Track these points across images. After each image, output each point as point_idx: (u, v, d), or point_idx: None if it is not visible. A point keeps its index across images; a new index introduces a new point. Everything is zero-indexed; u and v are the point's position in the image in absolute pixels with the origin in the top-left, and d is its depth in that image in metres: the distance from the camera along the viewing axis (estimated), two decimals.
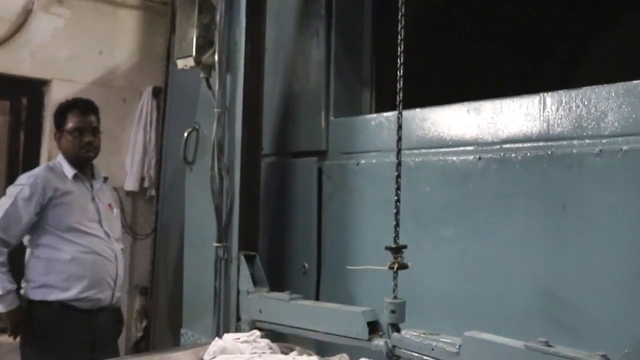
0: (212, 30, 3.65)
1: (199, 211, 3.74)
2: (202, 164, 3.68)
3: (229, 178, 3.50)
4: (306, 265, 3.59)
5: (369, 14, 3.89)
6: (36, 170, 4.42)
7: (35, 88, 5.90)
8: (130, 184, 6.10)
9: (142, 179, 6.14)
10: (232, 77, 3.57)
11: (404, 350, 2.54)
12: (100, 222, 4.41)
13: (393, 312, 2.55)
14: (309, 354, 2.98)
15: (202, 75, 3.68)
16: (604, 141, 2.50)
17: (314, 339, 3.06)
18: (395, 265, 2.50)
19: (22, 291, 4.26)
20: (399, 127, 2.56)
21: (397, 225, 2.55)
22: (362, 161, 3.44)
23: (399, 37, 2.57)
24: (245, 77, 3.52)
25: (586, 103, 2.58)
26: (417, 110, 3.20)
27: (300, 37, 3.94)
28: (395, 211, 2.55)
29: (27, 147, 5.88)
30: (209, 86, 3.65)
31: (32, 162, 5.62)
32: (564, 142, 2.64)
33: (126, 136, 6.20)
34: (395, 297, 2.53)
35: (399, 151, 2.55)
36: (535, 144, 2.75)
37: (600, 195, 2.46)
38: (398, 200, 2.56)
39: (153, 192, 6.24)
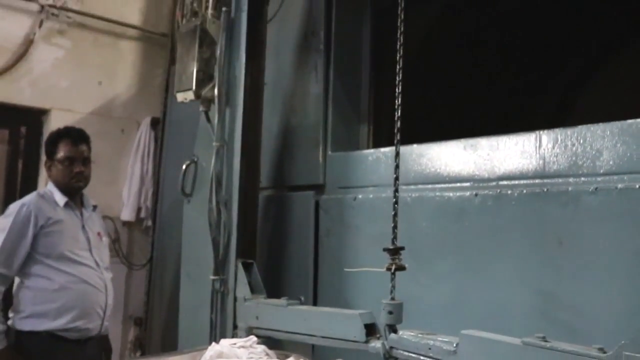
0: (212, 64, 3.69)
1: (196, 243, 3.74)
2: (200, 196, 3.70)
3: (226, 211, 3.51)
4: (302, 298, 3.59)
5: (367, 50, 3.95)
6: (27, 198, 4.38)
7: (34, 117, 5.91)
8: (127, 214, 6.09)
9: (139, 209, 6.14)
10: (231, 111, 3.61)
11: (401, 352, 2.55)
12: (90, 251, 4.37)
13: (390, 313, 2.58)
14: None
15: (201, 108, 3.71)
16: (599, 179, 2.52)
17: (310, 347, 3.07)
18: (393, 267, 2.55)
19: (9, 322, 4.20)
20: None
21: (395, 227, 2.59)
22: (359, 196, 3.46)
23: (397, 78, 2.61)
24: (245, 111, 3.56)
25: (582, 141, 2.61)
26: (414, 146, 3.23)
27: (299, 72, 3.98)
28: (393, 213, 2.58)
29: (25, 176, 5.88)
30: (208, 119, 3.68)
31: (29, 190, 5.59)
32: (560, 180, 2.67)
33: (123, 166, 6.20)
34: (392, 299, 2.57)
35: (397, 154, 2.55)
36: (531, 181, 2.78)
37: (595, 232, 2.49)
38: (396, 203, 2.58)
39: (149, 223, 6.23)
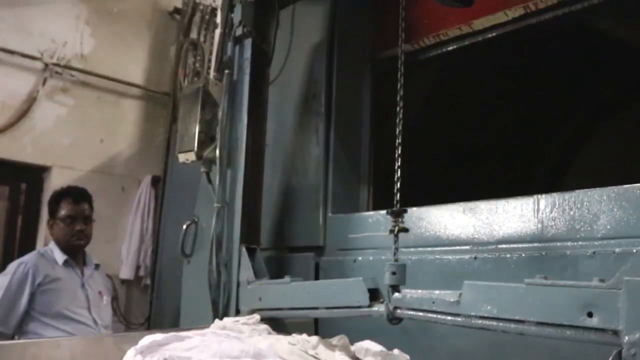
0: (214, 126, 3.73)
1: (195, 304, 3.73)
2: (200, 256, 3.70)
3: (226, 273, 3.51)
4: None
5: (367, 113, 4.00)
6: (26, 257, 4.40)
7: (35, 174, 5.96)
8: (126, 272, 6.08)
9: (138, 268, 6.14)
10: (233, 172, 3.63)
11: (405, 311, 2.57)
12: (89, 309, 4.37)
13: (394, 273, 2.59)
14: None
15: (202, 169, 3.73)
16: (597, 243, 2.53)
17: (313, 327, 3.03)
18: (396, 229, 2.61)
19: None
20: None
21: (397, 190, 2.64)
22: (359, 258, 3.47)
23: (397, 141, 2.66)
24: (246, 172, 3.58)
25: (579, 206, 2.63)
26: (414, 209, 3.24)
27: (300, 134, 4.02)
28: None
29: (24, 232, 5.90)
30: (209, 180, 3.71)
31: (28, 247, 5.62)
32: (558, 244, 2.68)
33: (123, 224, 6.22)
34: (396, 260, 2.61)
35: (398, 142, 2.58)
36: (530, 245, 2.79)
37: None
38: (399, 157, 2.64)
39: (148, 281, 6.22)
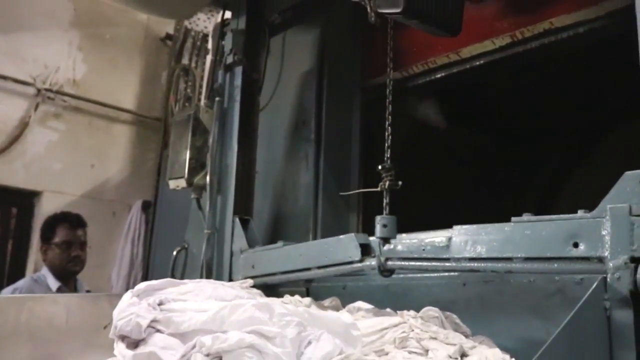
0: (205, 152, 3.76)
1: None
2: None
3: None
4: None
5: (357, 141, 4.02)
6: (20, 283, 4.41)
7: (26, 199, 5.96)
8: None
9: None
10: (223, 199, 3.65)
11: (396, 262, 2.65)
12: None
13: (384, 226, 2.70)
14: None
15: (193, 196, 3.76)
16: None
17: (305, 293, 3.13)
18: (387, 184, 2.73)
19: None
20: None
21: (388, 147, 2.77)
22: (349, 284, 3.47)
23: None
24: (236, 199, 3.61)
25: None
26: (403, 235, 3.25)
27: (289, 161, 4.05)
28: (387, 133, 2.79)
29: (14, 256, 5.89)
30: (200, 207, 3.73)
31: (18, 272, 5.62)
32: None
33: (113, 249, 6.22)
34: (386, 214, 2.71)
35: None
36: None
37: None
38: (389, 125, 2.78)
39: None
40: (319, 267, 2.98)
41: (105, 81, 6.33)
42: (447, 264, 2.49)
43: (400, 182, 2.78)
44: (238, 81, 3.85)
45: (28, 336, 2.90)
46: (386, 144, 2.86)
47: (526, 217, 2.26)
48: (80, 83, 6.17)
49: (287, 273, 3.11)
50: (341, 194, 3.61)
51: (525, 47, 3.50)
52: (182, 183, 3.75)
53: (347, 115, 4.08)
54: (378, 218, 2.74)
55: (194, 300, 2.41)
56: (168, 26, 6.70)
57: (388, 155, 2.87)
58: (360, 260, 2.79)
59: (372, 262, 2.74)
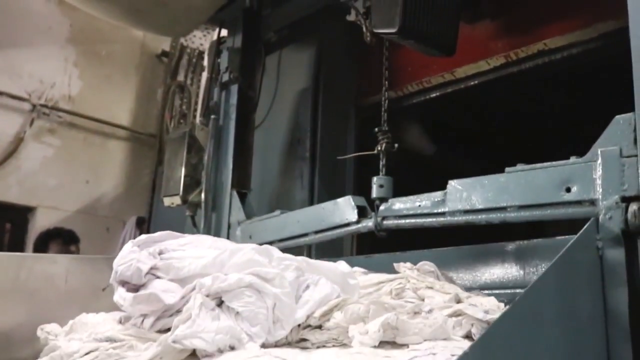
0: (200, 170, 3.77)
1: None
2: None
3: None
4: None
5: (352, 158, 4.03)
6: None
7: (20, 214, 5.93)
8: None
9: None
10: (218, 216, 3.66)
11: (392, 221, 2.72)
12: None
13: (381, 186, 2.79)
14: None
15: (187, 213, 3.76)
16: None
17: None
18: (383, 145, 2.85)
19: None
20: None
21: (385, 111, 2.89)
22: None
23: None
24: (230, 216, 3.61)
25: None
26: (397, 253, 3.26)
27: (285, 178, 4.06)
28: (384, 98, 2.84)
29: None
30: (194, 224, 3.73)
31: None
32: None
33: None
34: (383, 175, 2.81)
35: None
36: (512, 291, 2.80)
37: None
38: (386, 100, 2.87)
39: None
40: (316, 232, 3.03)
41: (100, 97, 6.34)
42: (442, 219, 2.56)
43: (396, 145, 2.86)
44: (234, 99, 3.87)
45: (27, 295, 2.93)
46: (382, 108, 3.03)
47: (520, 166, 2.33)
48: (75, 99, 6.18)
49: (285, 240, 3.16)
50: (338, 157, 3.65)
51: (520, 68, 3.53)
52: (177, 200, 3.75)
53: (342, 134, 4.10)
54: (375, 179, 2.82)
55: (194, 249, 2.43)
56: (164, 43, 6.72)
57: (385, 119, 3.03)
58: (357, 222, 2.87)
59: (368, 223, 2.81)
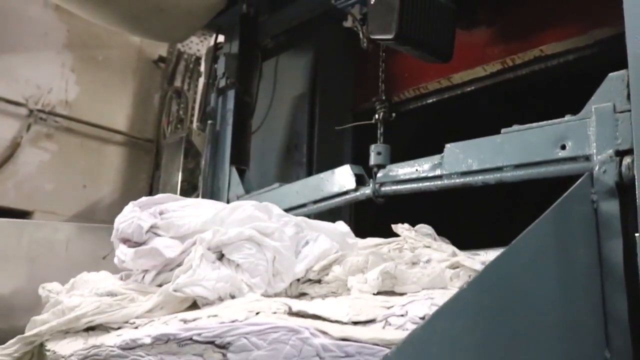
0: (197, 174, 3.77)
1: None
2: None
3: None
4: None
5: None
6: None
7: (17, 219, 5.92)
8: None
9: None
10: None
11: (390, 187, 2.80)
12: None
13: (379, 154, 2.88)
14: None
15: None
16: None
17: None
18: (381, 115, 2.98)
19: None
20: None
21: (383, 81, 3.01)
22: None
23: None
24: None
25: None
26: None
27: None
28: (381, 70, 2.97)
29: None
30: None
31: None
32: None
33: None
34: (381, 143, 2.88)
35: None
36: None
37: None
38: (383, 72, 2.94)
39: None
40: (315, 202, 3.06)
41: (97, 102, 6.32)
42: (440, 182, 2.63)
43: (394, 114, 2.92)
44: (230, 104, 3.88)
45: (28, 260, 2.95)
46: (380, 79, 3.17)
47: (516, 127, 2.39)
48: (72, 104, 6.16)
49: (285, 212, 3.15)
50: (336, 128, 3.71)
51: (516, 74, 3.54)
52: None
53: (338, 139, 4.10)
54: (372, 146, 2.90)
55: (194, 209, 2.49)
56: (161, 49, 6.70)
57: (382, 89, 3.16)
58: (355, 190, 2.96)
59: (366, 190, 2.89)
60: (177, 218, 2.38)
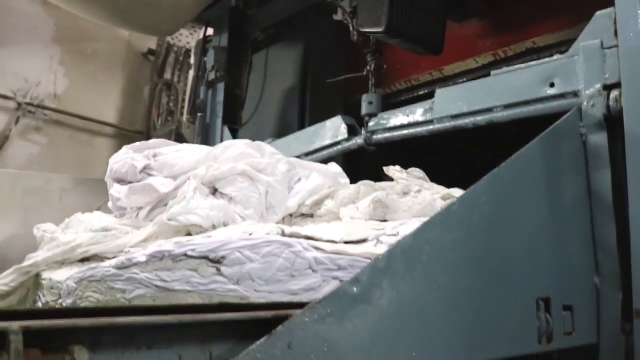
0: None
1: None
2: None
3: None
4: None
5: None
6: None
7: None
8: None
9: None
10: None
11: (382, 135, 2.84)
12: None
13: (370, 103, 2.92)
14: None
15: None
16: None
17: None
18: (372, 66, 3.03)
19: None
20: None
21: (374, 44, 3.05)
22: None
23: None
24: None
25: None
26: None
27: None
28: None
29: None
30: None
31: None
32: None
33: None
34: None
35: None
36: None
37: None
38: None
39: None
40: (307, 154, 3.09)
41: (87, 96, 6.28)
42: (432, 127, 2.67)
43: (385, 66, 3.09)
44: (220, 97, 3.86)
45: (22, 209, 2.95)
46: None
47: (505, 69, 2.48)
48: (61, 97, 6.12)
49: None
50: (328, 80, 3.69)
51: (508, 66, 3.51)
52: None
53: None
54: (364, 96, 2.94)
55: (188, 153, 2.50)
56: (150, 42, 6.65)
57: (374, 41, 3.17)
58: (348, 140, 3.00)
59: (358, 140, 2.94)
60: (171, 159, 2.40)
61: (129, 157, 2.40)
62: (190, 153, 2.47)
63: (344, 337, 1.38)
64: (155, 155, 2.44)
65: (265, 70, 4.23)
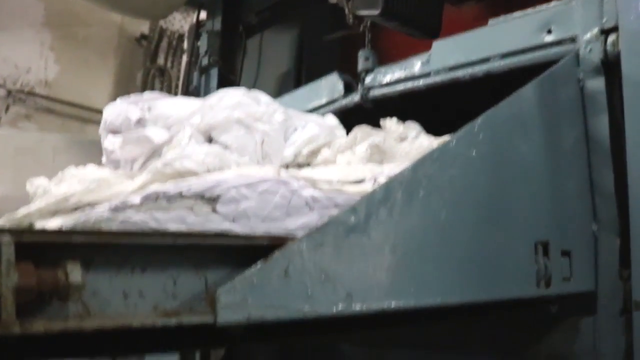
0: None
1: None
2: None
3: None
4: None
5: None
6: None
7: None
8: None
9: None
10: None
11: (378, 90, 2.84)
12: None
13: (367, 59, 2.91)
14: None
15: None
16: None
17: None
18: (368, 23, 3.01)
19: None
20: None
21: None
22: None
23: None
24: None
25: None
26: None
27: None
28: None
29: None
30: None
31: None
32: None
33: None
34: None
35: None
36: None
37: None
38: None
39: None
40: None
41: (78, 81, 6.21)
42: (430, 80, 2.65)
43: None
44: (214, 82, 3.83)
45: (13, 168, 2.94)
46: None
47: (502, 17, 2.45)
48: (52, 84, 6.06)
49: None
50: (324, 37, 3.74)
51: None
52: None
53: None
54: (360, 52, 2.93)
55: (183, 104, 2.48)
56: (143, 26, 6.59)
57: None
58: (344, 97, 2.98)
59: (355, 97, 2.92)
60: (166, 110, 2.40)
61: (123, 108, 2.38)
62: (185, 104, 2.45)
63: (341, 267, 1.39)
64: (149, 109, 2.43)
65: (260, 54, 4.18)
